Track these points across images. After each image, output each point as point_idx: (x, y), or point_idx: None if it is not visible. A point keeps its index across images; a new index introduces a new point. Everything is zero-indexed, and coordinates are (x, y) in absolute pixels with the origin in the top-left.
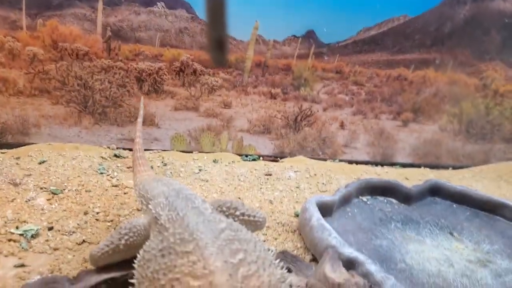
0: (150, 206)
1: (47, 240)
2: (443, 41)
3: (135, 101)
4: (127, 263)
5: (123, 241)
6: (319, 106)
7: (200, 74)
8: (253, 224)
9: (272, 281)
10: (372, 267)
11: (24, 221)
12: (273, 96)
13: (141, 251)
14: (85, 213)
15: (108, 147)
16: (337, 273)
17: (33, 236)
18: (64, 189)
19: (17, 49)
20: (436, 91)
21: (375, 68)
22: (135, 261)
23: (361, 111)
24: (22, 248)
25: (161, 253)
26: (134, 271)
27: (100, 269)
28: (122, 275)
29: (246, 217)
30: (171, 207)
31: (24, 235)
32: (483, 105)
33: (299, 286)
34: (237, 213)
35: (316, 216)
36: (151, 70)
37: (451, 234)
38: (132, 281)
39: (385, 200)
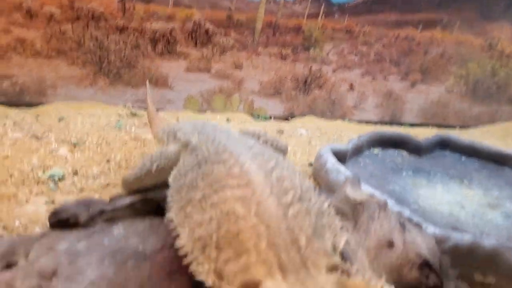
0: (178, 135)
1: (73, 183)
2: (450, 0)
3: (149, 63)
4: (160, 189)
5: (155, 166)
6: (328, 68)
7: (212, 34)
8: (275, 151)
9: (303, 186)
10: (391, 203)
11: (50, 167)
12: (283, 57)
13: (174, 170)
14: (108, 161)
15: (125, 106)
16: (358, 193)
17: (59, 179)
18: (84, 142)
19: (34, 9)
20: (443, 51)
21: (384, 28)
22: (169, 178)
23: (370, 72)
24: (51, 189)
25: (197, 165)
26: (169, 187)
27: (133, 193)
28: (157, 196)
29: (269, 144)
30: (201, 133)
31: (51, 178)
32: (489, 66)
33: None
34: (260, 140)
35: (331, 160)
36: (165, 31)
37: (461, 182)
38: (167, 193)
39: (396, 152)
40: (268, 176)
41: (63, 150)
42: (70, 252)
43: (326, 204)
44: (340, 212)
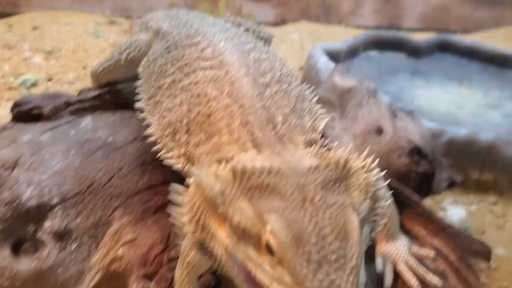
0: (150, 23)
1: (46, 88)
2: None
3: None
4: (130, 81)
5: (124, 55)
6: None
7: None
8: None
9: (284, 70)
10: (383, 97)
11: (22, 74)
12: None
13: (144, 58)
14: (84, 68)
15: (103, 14)
16: (346, 80)
17: (32, 85)
18: (60, 50)
19: None
20: None
21: None
22: (139, 68)
23: None
24: (23, 94)
25: (167, 50)
26: (139, 76)
27: (103, 85)
28: (126, 86)
29: (250, 32)
30: (173, 19)
31: (23, 84)
32: None
33: None
34: (241, 28)
35: (322, 60)
36: None
37: (461, 83)
38: (137, 84)
39: (393, 55)
40: (244, 57)
41: (37, 58)
42: (34, 143)
43: (308, 91)
44: (326, 102)
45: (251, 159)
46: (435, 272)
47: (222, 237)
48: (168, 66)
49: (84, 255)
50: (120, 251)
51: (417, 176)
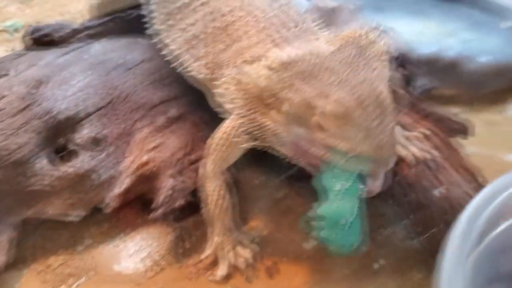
0: None
1: None
2: None
3: None
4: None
5: None
6: None
7: None
8: None
9: None
10: None
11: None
12: None
13: None
14: (61, 15)
15: None
16: (329, 2)
17: (16, 31)
18: None
19: None
20: None
21: None
22: None
23: None
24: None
25: None
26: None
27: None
28: (127, 14)
29: None
30: None
31: (11, 28)
32: None
33: None
34: None
35: None
36: None
37: (418, 16)
38: (145, 12)
39: None
40: None
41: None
42: (52, 65)
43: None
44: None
45: (281, 55)
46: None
47: (271, 124)
48: None
49: (114, 162)
50: (145, 157)
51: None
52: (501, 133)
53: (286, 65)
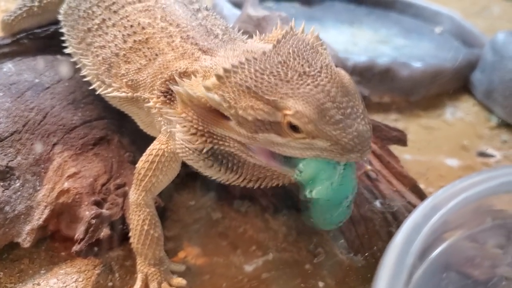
0: None
1: None
2: None
3: None
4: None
5: (36, 3)
6: None
7: None
8: None
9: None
10: None
11: None
12: None
13: (64, 5)
14: None
15: None
16: (260, 11)
17: None
18: None
19: None
20: None
21: None
22: (59, 15)
23: None
24: None
25: None
26: (62, 24)
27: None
28: (44, 30)
29: None
30: None
31: None
32: None
33: None
34: None
35: (227, 6)
36: None
37: (352, 25)
38: (62, 30)
39: (289, 4)
40: None
41: None
42: None
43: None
44: (244, 32)
45: (218, 62)
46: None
47: (232, 135)
48: (94, 9)
49: (30, 192)
50: (66, 184)
51: None
52: (440, 138)
53: (235, 72)
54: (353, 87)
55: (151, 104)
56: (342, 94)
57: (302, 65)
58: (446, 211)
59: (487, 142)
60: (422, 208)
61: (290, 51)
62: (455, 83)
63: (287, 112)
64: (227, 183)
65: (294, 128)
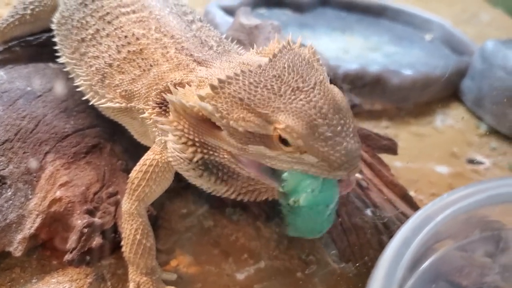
0: None
1: None
2: None
3: None
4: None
5: (28, 11)
6: None
7: None
8: None
9: (202, 17)
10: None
11: None
12: None
13: (56, 15)
14: None
15: None
16: (252, 20)
17: None
18: None
19: None
20: None
21: None
22: (52, 24)
23: None
24: None
25: (82, 4)
26: (55, 33)
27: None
28: (36, 37)
29: None
30: None
31: None
32: None
33: None
34: None
35: (219, 14)
36: None
37: (343, 33)
38: (54, 39)
39: (280, 11)
40: (164, 1)
41: None
42: None
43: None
44: (236, 40)
45: (213, 73)
46: None
47: (223, 146)
48: (88, 19)
49: (22, 201)
50: (58, 193)
51: None
52: (430, 145)
53: (229, 83)
54: (346, 104)
55: (146, 115)
56: (334, 111)
57: (296, 80)
58: (438, 221)
59: (476, 150)
60: (413, 220)
61: (286, 65)
62: (445, 91)
63: (278, 126)
64: (218, 195)
65: (284, 141)
